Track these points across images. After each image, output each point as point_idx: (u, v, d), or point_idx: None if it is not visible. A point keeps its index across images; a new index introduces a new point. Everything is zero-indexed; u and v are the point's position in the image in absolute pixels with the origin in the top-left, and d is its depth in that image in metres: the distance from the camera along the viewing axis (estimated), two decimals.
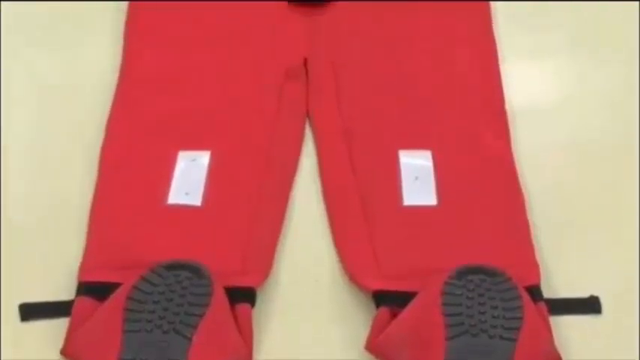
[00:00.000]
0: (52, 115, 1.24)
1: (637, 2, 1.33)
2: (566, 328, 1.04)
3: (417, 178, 1.15)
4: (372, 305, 1.04)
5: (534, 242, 1.10)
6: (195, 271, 1.00)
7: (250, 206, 1.12)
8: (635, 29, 1.30)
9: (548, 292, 1.06)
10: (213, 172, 1.15)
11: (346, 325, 1.06)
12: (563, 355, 0.99)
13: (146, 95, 1.22)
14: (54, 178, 1.18)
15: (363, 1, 1.29)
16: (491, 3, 1.31)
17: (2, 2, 1.33)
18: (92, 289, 1.04)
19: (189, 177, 1.15)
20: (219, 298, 1.00)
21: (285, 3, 1.29)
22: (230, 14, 1.29)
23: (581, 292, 1.07)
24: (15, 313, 1.05)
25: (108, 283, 1.03)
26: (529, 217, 1.12)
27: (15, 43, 1.30)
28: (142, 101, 1.21)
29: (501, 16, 1.30)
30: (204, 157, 1.16)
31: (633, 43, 1.29)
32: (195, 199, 1.13)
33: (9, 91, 1.25)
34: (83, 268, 1.07)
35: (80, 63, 1.29)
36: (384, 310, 1.03)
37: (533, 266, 1.08)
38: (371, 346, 1.01)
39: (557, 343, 1.00)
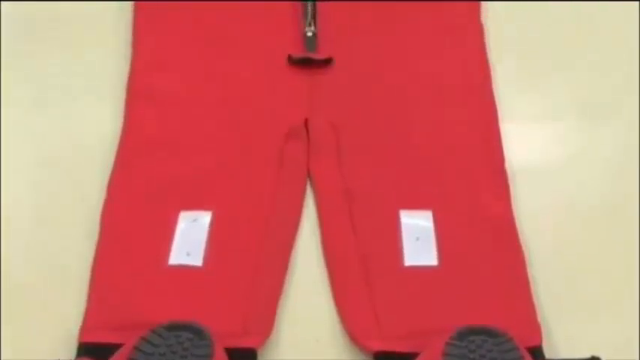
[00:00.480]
0: (52, 174, 1.25)
1: (637, 63, 1.36)
2: None
3: (417, 238, 1.17)
4: None
5: (535, 301, 1.11)
6: (196, 332, 1.02)
7: (251, 266, 1.14)
8: (636, 93, 1.33)
9: (549, 352, 1.07)
10: (215, 233, 1.17)
11: None
12: None
13: (147, 156, 1.24)
14: (54, 239, 1.19)
15: (364, 61, 1.32)
16: (491, 64, 1.33)
17: (2, 62, 1.36)
18: (92, 350, 1.04)
19: (190, 237, 1.16)
20: None
21: (286, 63, 1.31)
22: (231, 74, 1.31)
23: (583, 353, 1.07)
24: None
25: (108, 344, 1.03)
26: (530, 277, 1.14)
27: (15, 103, 1.32)
28: (143, 162, 1.23)
29: (501, 77, 1.32)
30: (205, 218, 1.18)
31: (633, 106, 1.32)
32: (197, 260, 1.14)
33: (9, 150, 1.27)
34: (83, 328, 1.08)
35: (81, 123, 1.30)
36: None
37: (535, 327, 1.09)
38: None
39: None
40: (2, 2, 1.38)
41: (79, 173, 1.25)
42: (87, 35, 1.40)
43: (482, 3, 1.40)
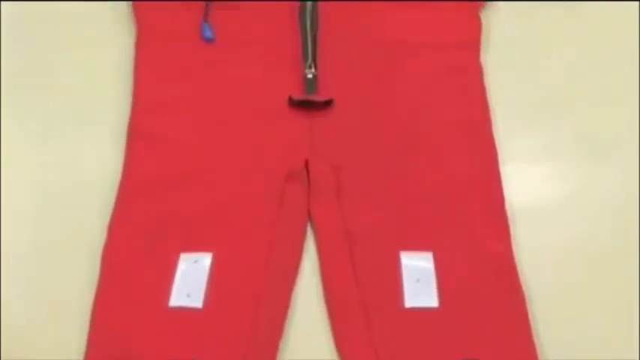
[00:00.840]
0: (53, 213, 1.27)
1: (637, 103, 1.38)
2: None
3: (418, 280, 1.18)
4: None
5: (535, 340, 1.13)
6: None
7: (252, 308, 1.15)
8: (636, 133, 1.35)
9: None
10: (215, 274, 1.18)
11: None
12: None
13: (147, 197, 1.25)
14: (54, 279, 1.21)
15: (364, 103, 1.34)
16: (491, 106, 1.35)
17: (2, 100, 1.38)
18: None
19: (190, 279, 1.18)
20: None
21: (286, 105, 1.33)
22: (231, 116, 1.33)
23: None
24: None
25: None
26: (530, 316, 1.15)
27: (15, 140, 1.34)
28: (144, 203, 1.25)
29: (500, 118, 1.34)
30: (205, 259, 1.19)
31: (633, 146, 1.33)
32: (197, 301, 1.16)
33: (9, 188, 1.29)
34: None
35: (81, 161, 1.32)
36: None
37: None
38: None
39: None
40: (3, 39, 1.41)
41: (79, 212, 1.27)
42: (89, 73, 1.42)
43: (483, 45, 1.42)
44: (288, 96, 1.32)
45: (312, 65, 1.36)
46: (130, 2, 1.46)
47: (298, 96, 1.33)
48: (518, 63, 1.43)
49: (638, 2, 1.47)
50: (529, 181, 1.30)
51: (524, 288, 1.17)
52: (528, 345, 1.12)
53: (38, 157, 1.33)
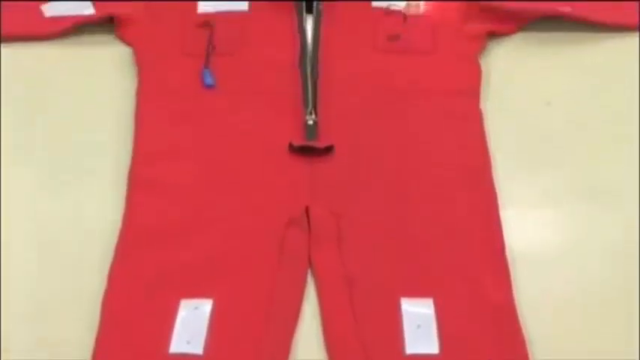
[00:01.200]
0: (53, 262, 1.28)
1: (637, 149, 1.40)
2: None
3: (419, 326, 1.19)
4: None
5: None
6: None
7: (252, 354, 1.16)
8: (636, 179, 1.36)
9: None
10: (215, 321, 1.19)
11: None
12: None
13: (148, 244, 1.27)
14: (54, 327, 1.22)
15: (364, 149, 1.36)
16: (491, 151, 1.37)
17: (3, 148, 1.40)
18: None
19: (190, 325, 1.19)
20: None
21: (287, 151, 1.34)
22: (232, 162, 1.35)
23: None
24: None
25: None
26: None
27: (15, 188, 1.36)
28: (144, 250, 1.26)
29: (500, 163, 1.36)
30: (206, 306, 1.20)
31: (633, 192, 1.35)
32: (197, 348, 1.17)
33: (9, 237, 1.30)
34: None
35: (82, 209, 1.34)
36: None
37: None
38: None
39: None
40: (3, 86, 1.44)
41: (80, 260, 1.28)
42: (89, 121, 1.44)
43: (483, 91, 1.44)
44: (288, 142, 1.34)
45: (313, 111, 1.38)
46: (132, 49, 1.50)
47: (299, 142, 1.35)
48: (518, 109, 1.45)
49: (638, 50, 1.50)
50: (529, 227, 1.32)
51: (524, 334, 1.18)
52: None
53: (39, 205, 1.34)
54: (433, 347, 1.17)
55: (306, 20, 1.49)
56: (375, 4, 1.53)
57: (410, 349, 1.17)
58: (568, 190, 1.36)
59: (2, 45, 1.52)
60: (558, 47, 1.53)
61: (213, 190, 1.32)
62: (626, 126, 1.42)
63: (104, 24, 1.54)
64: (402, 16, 1.51)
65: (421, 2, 1.53)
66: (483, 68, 1.46)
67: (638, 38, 1.52)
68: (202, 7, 1.53)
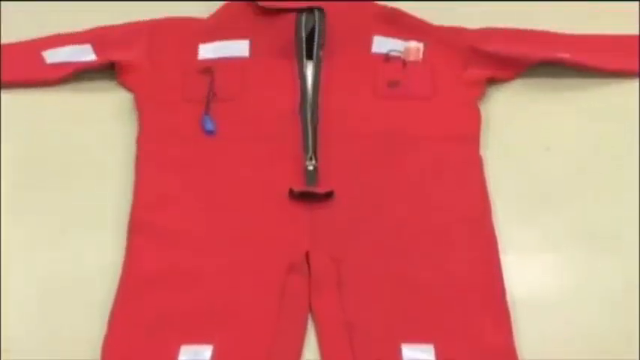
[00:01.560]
0: (54, 307, 1.29)
1: (637, 197, 1.41)
2: None
3: None
4: None
5: None
6: None
7: None
8: (635, 224, 1.38)
9: None
10: None
11: None
12: None
13: (148, 290, 1.28)
14: None
15: (364, 194, 1.37)
16: (491, 196, 1.38)
17: (3, 194, 1.42)
18: None
19: None
20: None
21: (287, 197, 1.36)
22: (232, 208, 1.37)
23: None
24: None
25: None
26: None
27: (15, 233, 1.37)
28: (144, 296, 1.28)
29: (500, 209, 1.38)
30: (206, 352, 1.21)
31: (633, 237, 1.36)
32: None
33: (9, 282, 1.31)
34: None
35: (82, 255, 1.35)
36: None
37: None
38: None
39: None
40: (2, 134, 1.46)
41: (80, 305, 1.29)
42: (90, 167, 1.46)
43: (482, 135, 1.46)
44: (289, 188, 1.36)
45: (313, 157, 1.40)
46: (132, 95, 1.52)
47: (299, 188, 1.36)
48: (517, 154, 1.47)
49: (637, 96, 1.53)
50: (529, 272, 1.33)
51: None
52: None
53: (39, 250, 1.36)
54: None
55: (306, 66, 1.52)
56: (374, 50, 1.56)
57: None
58: (568, 235, 1.37)
59: (2, 91, 1.54)
60: (557, 93, 1.55)
61: (214, 236, 1.33)
62: (626, 171, 1.44)
63: (104, 70, 1.56)
64: (402, 62, 1.53)
65: (420, 48, 1.56)
66: (483, 113, 1.49)
67: (637, 83, 1.55)
68: (203, 54, 1.56)
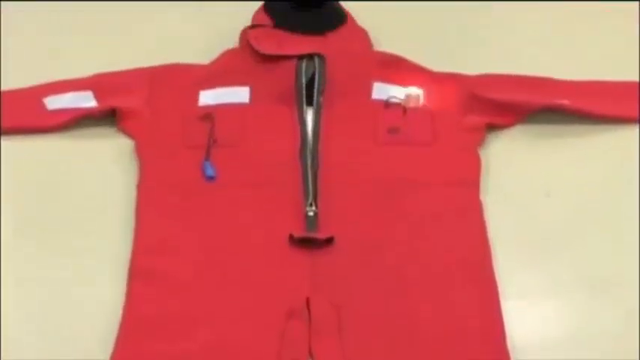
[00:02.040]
0: (53, 354, 1.30)
1: (637, 240, 1.43)
2: None
3: None
4: None
5: None
6: None
7: None
8: (635, 269, 1.39)
9: None
10: None
11: None
12: None
13: (148, 336, 1.29)
14: None
15: (365, 240, 1.39)
16: (491, 242, 1.40)
17: (3, 240, 1.43)
18: None
19: None
20: None
21: (287, 242, 1.38)
22: (232, 254, 1.38)
23: None
24: None
25: None
26: None
27: (16, 277, 1.39)
28: (143, 341, 1.29)
29: (501, 255, 1.39)
30: None
31: (633, 285, 1.37)
32: None
33: (9, 328, 1.32)
34: None
35: (82, 300, 1.36)
36: None
37: None
38: None
39: None
40: (2, 180, 1.48)
41: (80, 350, 1.30)
42: (91, 213, 1.48)
43: (482, 181, 1.48)
44: (289, 233, 1.38)
45: (313, 203, 1.42)
46: (133, 141, 1.54)
47: (299, 233, 1.38)
48: (517, 200, 1.49)
49: (637, 142, 1.55)
50: (530, 318, 1.34)
51: None
52: None
53: (40, 296, 1.37)
54: None
55: (306, 112, 1.55)
56: (374, 96, 1.58)
57: None
58: (568, 280, 1.39)
59: (2, 137, 1.57)
60: (558, 139, 1.57)
61: (214, 282, 1.35)
62: (626, 217, 1.46)
63: (105, 116, 1.59)
64: (402, 108, 1.56)
65: (420, 94, 1.58)
66: (483, 159, 1.51)
67: (637, 130, 1.57)
68: (203, 100, 1.58)
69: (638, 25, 1.49)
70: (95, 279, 1.39)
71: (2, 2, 1.55)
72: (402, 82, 1.60)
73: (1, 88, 1.45)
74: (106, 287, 1.37)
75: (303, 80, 1.57)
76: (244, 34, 1.65)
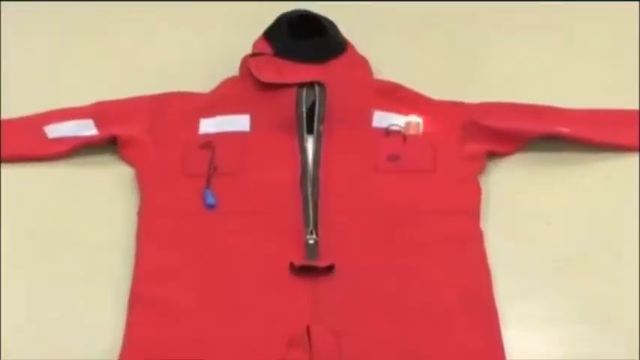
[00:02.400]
0: None
1: (637, 268, 1.44)
2: None
3: None
4: None
5: None
6: None
7: None
8: (636, 299, 1.40)
9: None
10: None
11: None
12: None
13: None
14: None
15: (365, 268, 1.40)
16: (492, 271, 1.41)
17: (2, 267, 1.45)
18: None
19: None
20: None
21: (288, 270, 1.38)
22: (232, 282, 1.39)
23: None
24: None
25: None
26: None
27: (15, 305, 1.40)
28: None
29: (501, 284, 1.40)
30: None
31: (633, 313, 1.38)
32: None
33: (8, 354, 1.34)
34: None
35: (82, 329, 1.38)
36: None
37: None
38: None
39: None
40: (3, 206, 1.50)
41: None
42: (91, 242, 1.49)
43: (483, 209, 1.50)
44: (289, 261, 1.39)
45: (314, 231, 1.43)
46: (134, 169, 1.56)
47: (300, 262, 1.39)
48: (518, 228, 1.50)
49: (637, 171, 1.56)
50: (531, 346, 1.35)
51: None
52: None
53: (39, 323, 1.39)
54: None
55: (306, 140, 1.56)
56: (375, 124, 1.60)
57: None
58: (569, 309, 1.40)
59: (2, 165, 1.58)
60: (558, 167, 1.59)
61: (214, 310, 1.36)
62: (626, 246, 1.47)
63: (106, 144, 1.61)
64: (402, 136, 1.57)
65: (420, 122, 1.60)
66: (483, 188, 1.52)
67: (637, 158, 1.59)
68: (204, 128, 1.60)
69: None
70: (95, 306, 1.40)
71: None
72: (402, 110, 1.61)
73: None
74: (107, 314, 1.38)
75: (304, 108, 1.58)
76: (245, 63, 1.67)
